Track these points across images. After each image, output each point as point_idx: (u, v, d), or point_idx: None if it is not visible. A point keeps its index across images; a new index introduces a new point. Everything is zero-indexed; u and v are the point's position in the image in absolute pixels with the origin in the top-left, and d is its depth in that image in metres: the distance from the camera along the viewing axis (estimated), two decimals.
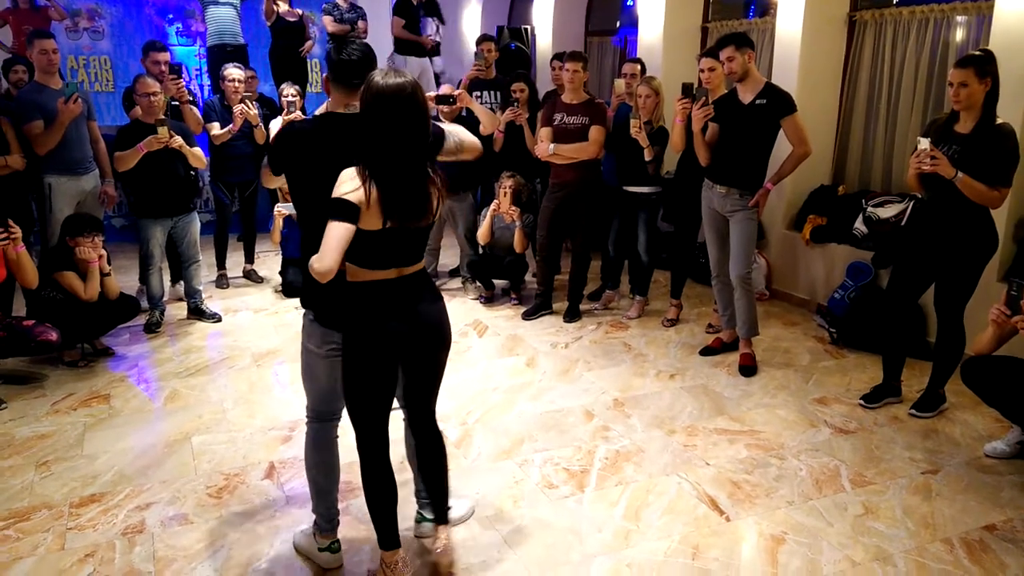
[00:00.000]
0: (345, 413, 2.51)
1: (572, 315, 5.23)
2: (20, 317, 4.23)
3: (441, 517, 2.64)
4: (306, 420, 2.61)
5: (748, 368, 4.35)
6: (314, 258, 2.13)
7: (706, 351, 4.64)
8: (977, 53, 3.45)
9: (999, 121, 3.43)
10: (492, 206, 5.31)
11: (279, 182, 2.53)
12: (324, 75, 2.45)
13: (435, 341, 2.43)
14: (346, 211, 2.13)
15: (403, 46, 7.36)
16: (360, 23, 7.34)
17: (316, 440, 2.59)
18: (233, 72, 5.59)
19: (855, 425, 3.75)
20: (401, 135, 2.17)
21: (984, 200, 3.44)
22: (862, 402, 3.95)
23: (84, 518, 2.94)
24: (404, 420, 2.64)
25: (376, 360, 2.32)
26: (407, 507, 2.75)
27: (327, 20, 7.23)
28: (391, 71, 2.20)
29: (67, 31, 8.09)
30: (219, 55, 6.96)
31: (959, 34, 4.82)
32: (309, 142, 2.33)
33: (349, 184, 2.16)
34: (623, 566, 2.69)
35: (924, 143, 3.42)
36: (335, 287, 2.25)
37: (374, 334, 2.29)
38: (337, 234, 2.12)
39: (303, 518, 2.91)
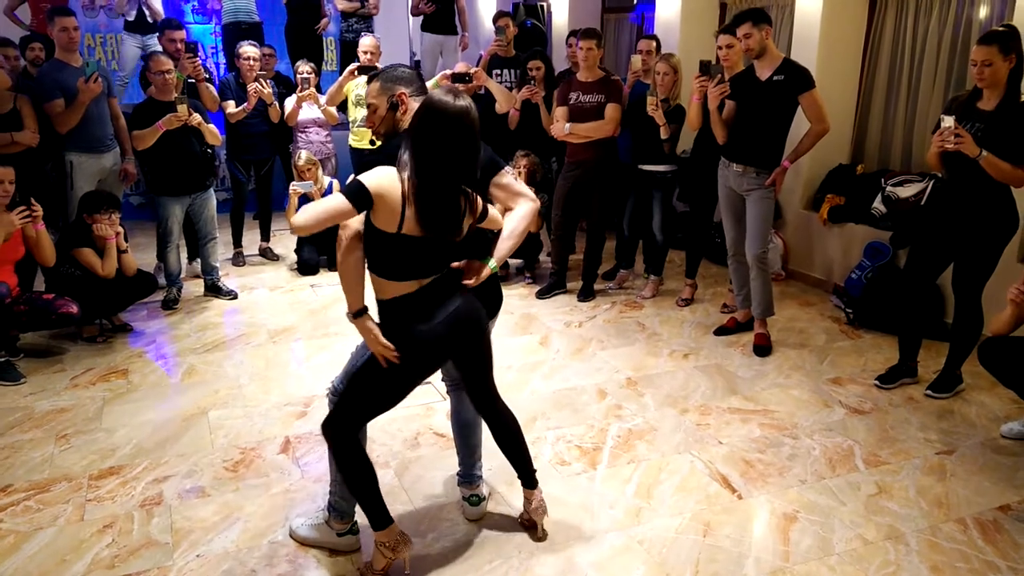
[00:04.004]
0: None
1: (586, 294, 5.23)
2: (40, 291, 4.28)
3: (529, 483, 2.70)
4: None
5: (763, 348, 4.33)
6: (295, 216, 2.19)
7: (720, 331, 4.62)
8: (1000, 29, 3.38)
9: None
10: None
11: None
12: (400, 91, 2.44)
13: (472, 334, 2.47)
14: (357, 195, 2.17)
15: (426, 23, 7.32)
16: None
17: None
18: (248, 50, 5.58)
19: (870, 405, 3.74)
20: (445, 152, 2.21)
21: (1008, 179, 3.39)
22: (877, 382, 3.93)
23: (103, 490, 2.99)
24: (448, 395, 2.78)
25: (420, 369, 2.40)
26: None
27: None
28: (451, 91, 2.24)
29: (84, 9, 8.10)
30: (234, 33, 6.96)
31: (982, 10, 4.72)
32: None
33: (380, 176, 2.20)
34: (634, 543, 2.71)
35: (948, 121, 3.36)
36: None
37: (411, 347, 2.33)
38: (332, 205, 2.18)
39: (318, 492, 2.95)
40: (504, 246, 2.52)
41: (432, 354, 2.39)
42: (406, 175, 2.22)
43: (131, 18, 6.84)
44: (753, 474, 3.14)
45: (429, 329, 2.33)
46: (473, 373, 2.58)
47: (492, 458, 3.11)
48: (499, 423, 2.65)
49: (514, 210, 2.53)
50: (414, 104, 2.46)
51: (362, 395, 2.41)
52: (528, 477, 2.71)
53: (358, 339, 2.62)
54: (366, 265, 2.36)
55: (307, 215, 2.18)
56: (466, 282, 2.43)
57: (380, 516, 2.45)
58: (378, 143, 2.57)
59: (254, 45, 5.70)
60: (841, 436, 3.45)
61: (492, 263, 2.50)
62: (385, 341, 2.31)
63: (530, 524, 2.76)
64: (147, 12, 6.83)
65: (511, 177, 2.53)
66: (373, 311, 2.38)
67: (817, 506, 2.92)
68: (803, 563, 2.61)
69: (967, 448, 3.36)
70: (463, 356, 2.51)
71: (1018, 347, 3.28)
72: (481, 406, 2.65)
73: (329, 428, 2.43)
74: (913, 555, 2.66)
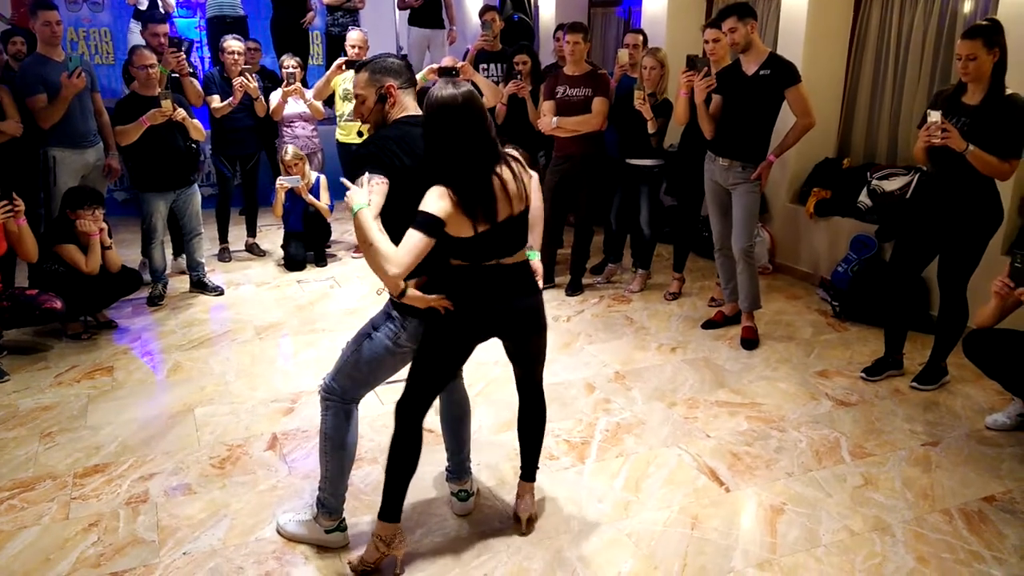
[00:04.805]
0: None
1: (574, 288, 5.23)
2: (23, 287, 4.24)
3: (528, 475, 2.75)
4: (333, 403, 2.54)
5: (750, 341, 4.35)
6: (388, 263, 2.17)
7: (708, 324, 4.64)
8: (984, 23, 3.40)
9: (1008, 92, 3.39)
10: None
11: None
12: (389, 83, 2.42)
13: (529, 329, 2.51)
14: (430, 225, 2.20)
15: (413, 17, 7.29)
16: None
17: (348, 421, 2.56)
18: (232, 44, 5.54)
19: (856, 398, 3.76)
20: (466, 142, 2.25)
21: (994, 173, 3.41)
22: (863, 375, 3.95)
23: (88, 488, 2.96)
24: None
25: (462, 340, 2.43)
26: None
27: None
28: (447, 83, 2.27)
29: (67, 3, 8.00)
30: (218, 27, 6.91)
31: (967, 4, 4.74)
32: (416, 140, 2.36)
33: (437, 200, 2.22)
34: (623, 536, 2.71)
35: (935, 116, 3.37)
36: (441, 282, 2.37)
37: (466, 315, 2.37)
38: (415, 244, 2.19)
39: (305, 489, 2.94)
40: (536, 232, 2.56)
41: (481, 320, 2.41)
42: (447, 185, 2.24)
43: (142, 7, 6.76)
44: (740, 467, 3.15)
45: (486, 299, 2.38)
46: (522, 363, 2.64)
47: (480, 453, 3.12)
48: (534, 411, 2.70)
49: None
50: (403, 96, 2.45)
51: (425, 369, 2.45)
52: (531, 470, 2.74)
53: (347, 335, 2.62)
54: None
55: (401, 265, 2.17)
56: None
57: (395, 509, 2.49)
58: (365, 136, 2.55)
59: (238, 39, 5.66)
60: (828, 428, 3.46)
61: (535, 255, 2.55)
62: (433, 296, 2.34)
63: (529, 520, 2.77)
64: (160, 2, 6.78)
65: None
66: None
67: (804, 498, 2.94)
68: (790, 555, 2.62)
69: (952, 439, 3.38)
70: (516, 345, 2.56)
71: (1002, 339, 3.30)
72: (524, 389, 2.69)
73: (402, 409, 2.48)
74: (899, 546, 2.67)
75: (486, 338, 2.50)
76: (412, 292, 2.34)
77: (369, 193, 2.25)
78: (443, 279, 2.38)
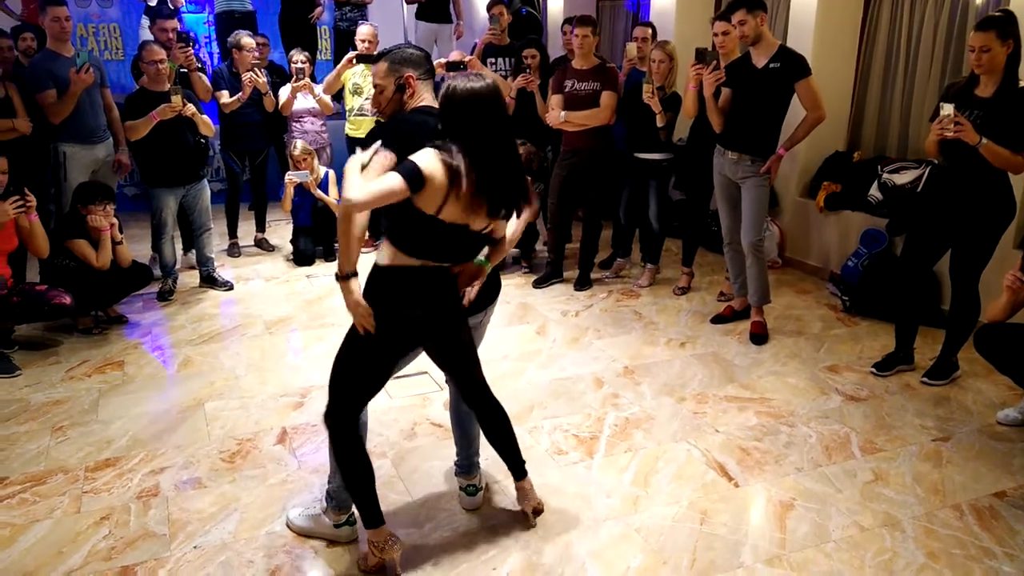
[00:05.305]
0: None
1: (583, 283, 5.22)
2: (33, 283, 4.27)
3: (519, 474, 2.70)
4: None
5: (759, 336, 4.33)
6: (352, 188, 2.15)
7: (717, 319, 4.62)
8: (998, 14, 3.37)
9: (1022, 84, 3.36)
10: None
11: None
12: (408, 74, 2.42)
13: (454, 332, 2.47)
14: (412, 175, 2.16)
15: (420, 11, 7.28)
16: None
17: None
18: (248, 42, 5.56)
19: (866, 393, 3.74)
20: (493, 133, 2.26)
21: (1008, 166, 3.38)
22: (874, 370, 3.93)
23: (99, 482, 2.98)
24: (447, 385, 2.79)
25: (392, 345, 2.40)
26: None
27: None
28: (470, 76, 2.27)
29: None
30: (227, 22, 6.92)
31: None
32: (432, 130, 2.35)
33: (431, 159, 2.19)
34: (632, 531, 2.71)
35: (948, 109, 3.34)
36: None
37: (397, 320, 2.34)
38: (388, 185, 2.14)
39: (315, 483, 2.95)
40: (502, 249, 2.55)
41: (405, 333, 2.38)
42: (463, 168, 2.22)
43: (152, 2, 6.78)
44: (750, 462, 3.14)
45: (408, 308, 2.33)
46: (449, 368, 2.59)
47: (489, 448, 3.11)
48: (488, 413, 2.62)
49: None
50: (421, 87, 2.45)
51: (347, 374, 2.41)
52: (518, 469, 2.70)
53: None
54: (384, 229, 2.37)
55: (365, 193, 2.14)
56: (470, 288, 2.47)
57: (372, 515, 2.45)
58: None
59: (249, 34, 5.67)
60: (837, 423, 3.45)
61: (485, 261, 2.51)
62: (365, 305, 2.31)
63: (537, 511, 2.77)
64: None
65: None
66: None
67: (813, 493, 2.93)
68: (800, 550, 2.62)
69: (963, 435, 3.37)
70: (436, 348, 2.50)
71: (1014, 334, 3.28)
72: (469, 397, 2.62)
73: (328, 417, 2.43)
74: (909, 541, 2.66)
75: (415, 345, 2.48)
76: (352, 285, 2.32)
77: (370, 158, 2.24)
78: (376, 282, 2.35)
